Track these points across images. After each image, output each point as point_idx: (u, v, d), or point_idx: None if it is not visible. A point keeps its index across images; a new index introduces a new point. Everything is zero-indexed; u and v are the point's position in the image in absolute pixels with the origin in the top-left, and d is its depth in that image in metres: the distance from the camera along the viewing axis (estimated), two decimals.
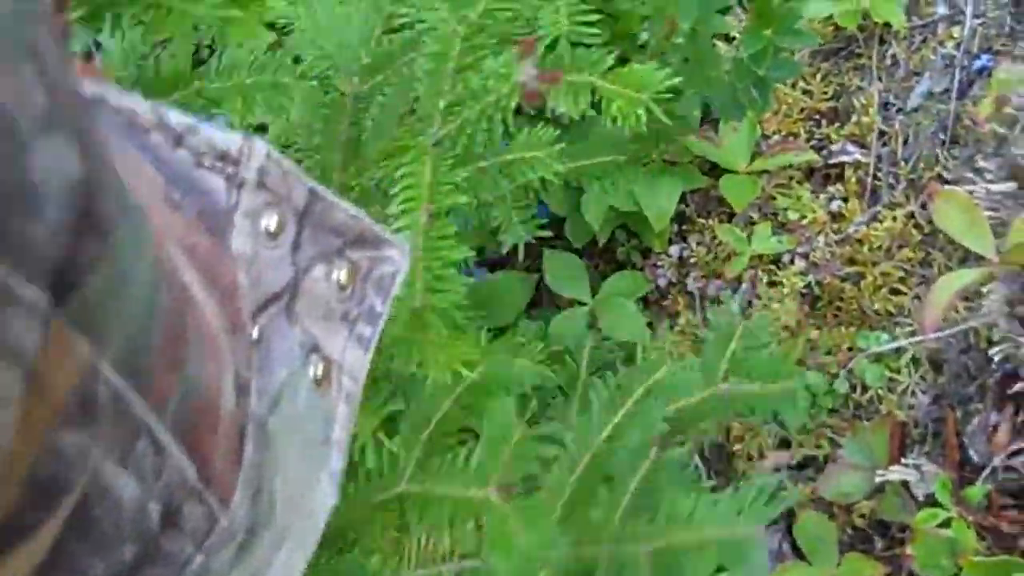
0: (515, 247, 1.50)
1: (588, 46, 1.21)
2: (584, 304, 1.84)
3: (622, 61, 1.51)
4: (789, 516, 1.69)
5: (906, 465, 1.47)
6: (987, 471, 1.40)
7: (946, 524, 1.40)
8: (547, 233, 1.62)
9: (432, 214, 1.02)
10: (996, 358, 1.32)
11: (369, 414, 1.03)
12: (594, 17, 1.19)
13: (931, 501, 1.44)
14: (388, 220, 1.05)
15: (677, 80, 1.10)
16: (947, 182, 1.64)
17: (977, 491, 1.38)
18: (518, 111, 1.28)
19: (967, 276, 1.30)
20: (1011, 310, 1.27)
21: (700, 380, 1.31)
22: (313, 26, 1.32)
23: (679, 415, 1.38)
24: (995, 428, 1.40)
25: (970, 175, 1.42)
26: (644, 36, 1.70)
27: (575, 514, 1.20)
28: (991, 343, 1.38)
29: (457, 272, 0.99)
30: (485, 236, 1.66)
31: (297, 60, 1.25)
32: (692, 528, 1.10)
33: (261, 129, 1.66)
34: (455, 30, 1.12)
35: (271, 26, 1.41)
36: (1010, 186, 1.35)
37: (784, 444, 1.74)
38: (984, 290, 1.31)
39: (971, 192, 1.36)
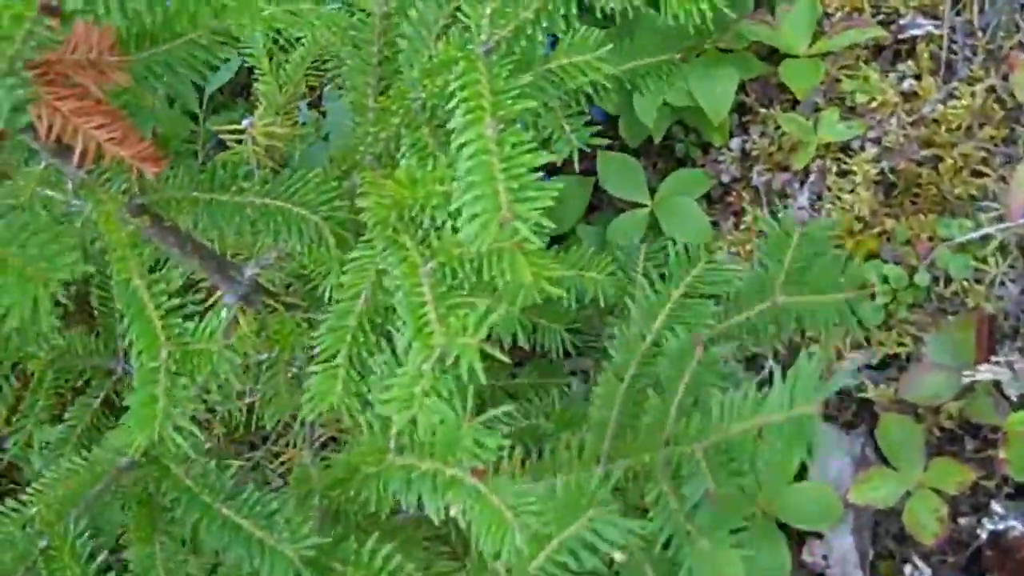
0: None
1: None
2: (644, 206, 1.75)
3: None
4: (871, 419, 1.61)
5: (997, 363, 1.38)
6: None
7: None
8: (601, 141, 1.53)
9: (502, 124, 0.94)
10: None
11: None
12: None
13: None
14: (450, 136, 0.97)
15: None
16: None
17: None
18: None
19: None
20: None
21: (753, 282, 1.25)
22: None
23: (740, 328, 1.33)
24: None
25: None
26: None
27: (625, 428, 1.15)
28: None
29: (543, 178, 0.92)
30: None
31: None
32: (744, 419, 1.07)
33: (285, 51, 1.57)
34: None
35: None
36: None
37: (863, 343, 1.65)
38: None
39: None
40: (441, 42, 1.09)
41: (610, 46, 1.17)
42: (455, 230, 1.01)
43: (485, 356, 1.11)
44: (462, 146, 0.94)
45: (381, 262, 1.11)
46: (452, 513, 1.04)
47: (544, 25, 1.02)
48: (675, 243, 1.35)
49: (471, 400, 0.99)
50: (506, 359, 0.98)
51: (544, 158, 0.92)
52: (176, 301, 1.11)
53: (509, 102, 0.96)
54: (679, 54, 1.31)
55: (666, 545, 1.14)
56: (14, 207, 1.18)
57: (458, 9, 1.07)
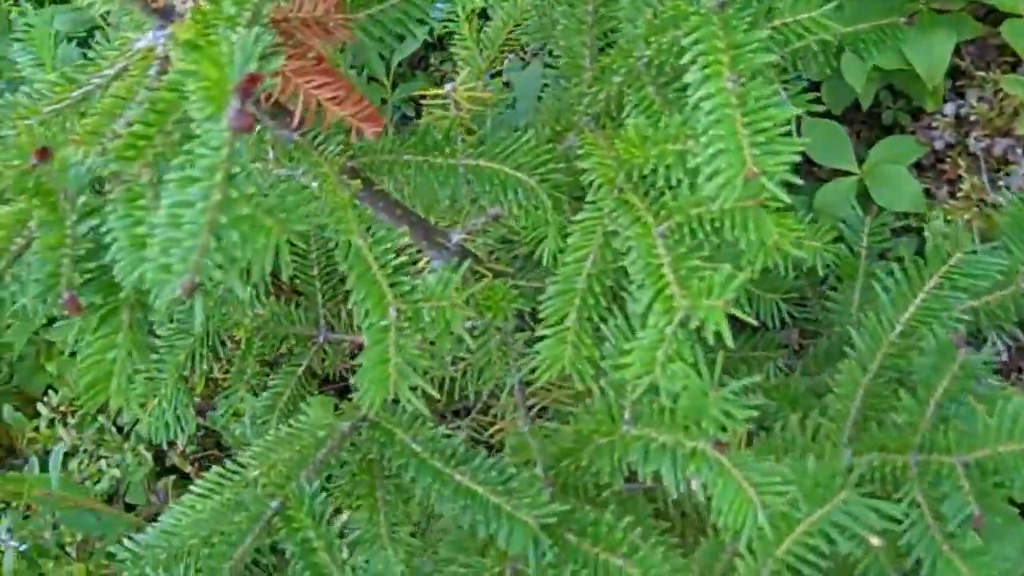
0: None
1: None
2: (852, 174, 1.69)
3: None
4: None
5: None
6: None
7: None
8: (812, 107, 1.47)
9: (742, 78, 0.90)
10: None
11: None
12: None
13: None
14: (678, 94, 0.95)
15: None
16: None
17: None
18: None
19: None
20: None
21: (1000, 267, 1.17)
22: None
23: (976, 313, 1.26)
24: None
25: None
26: None
27: (870, 421, 1.09)
28: None
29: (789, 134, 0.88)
30: None
31: None
32: (1015, 438, 1.00)
33: (484, 16, 1.56)
34: None
35: None
36: None
37: None
38: None
39: None
40: None
41: (833, 3, 1.12)
42: (692, 188, 0.98)
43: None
44: (700, 102, 0.91)
45: (610, 224, 1.07)
46: (693, 487, 1.00)
47: None
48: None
49: (718, 368, 0.95)
50: (754, 322, 0.93)
51: (789, 111, 0.88)
52: (403, 259, 1.09)
53: (749, 55, 0.92)
54: (904, 17, 1.24)
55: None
56: None
57: None
